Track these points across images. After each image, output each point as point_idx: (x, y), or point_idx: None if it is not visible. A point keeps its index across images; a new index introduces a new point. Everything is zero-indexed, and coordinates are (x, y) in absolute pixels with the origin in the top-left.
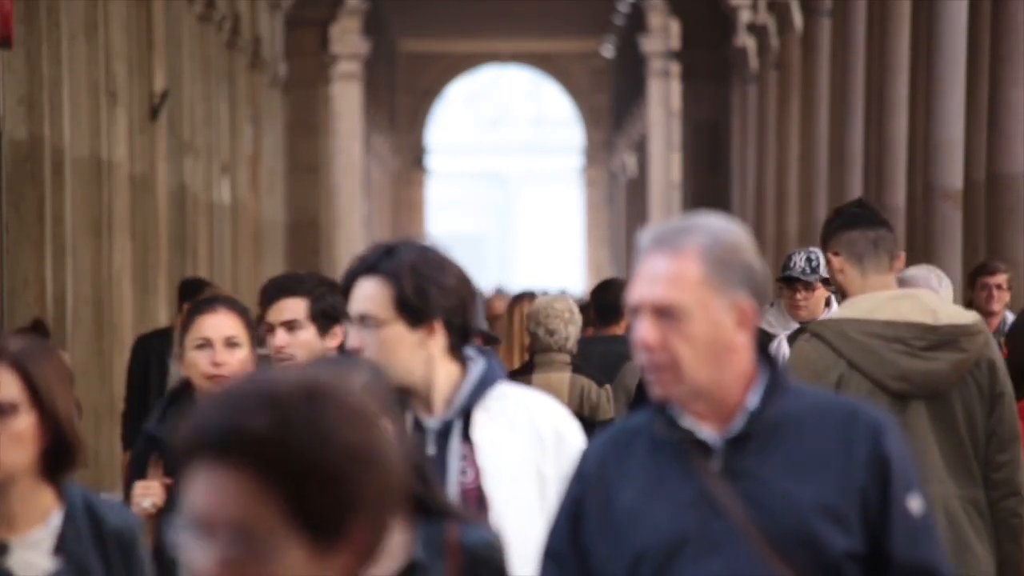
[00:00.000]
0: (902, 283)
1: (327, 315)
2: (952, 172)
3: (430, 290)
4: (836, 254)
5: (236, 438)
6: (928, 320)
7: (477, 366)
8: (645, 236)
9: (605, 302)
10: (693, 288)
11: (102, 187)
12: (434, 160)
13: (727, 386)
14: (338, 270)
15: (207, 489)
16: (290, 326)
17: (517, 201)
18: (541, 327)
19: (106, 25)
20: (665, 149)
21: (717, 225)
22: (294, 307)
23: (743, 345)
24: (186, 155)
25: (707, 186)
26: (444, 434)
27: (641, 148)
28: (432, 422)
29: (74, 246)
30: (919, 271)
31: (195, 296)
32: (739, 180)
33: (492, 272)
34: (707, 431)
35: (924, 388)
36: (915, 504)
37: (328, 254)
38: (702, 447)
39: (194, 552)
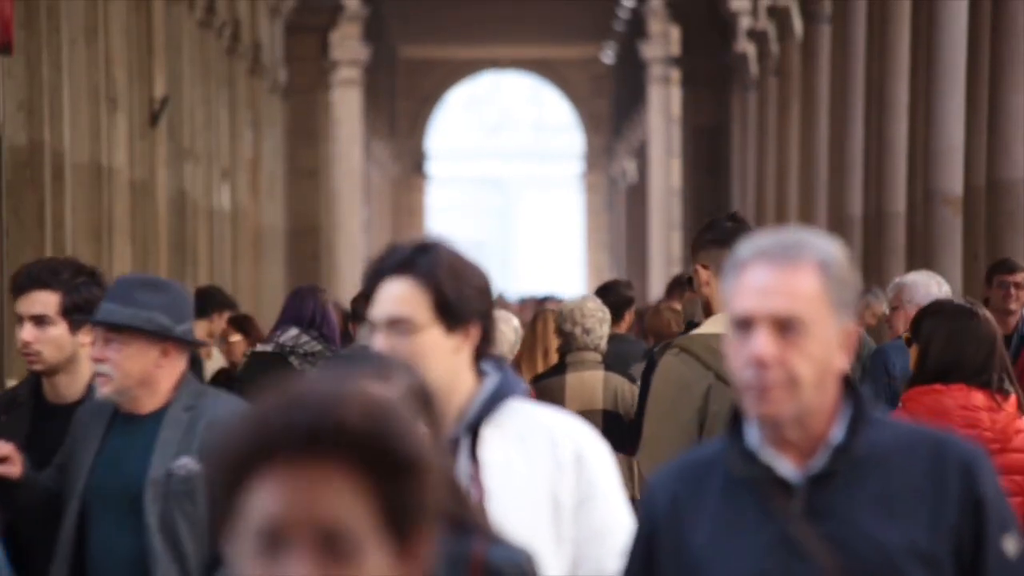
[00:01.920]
0: (901, 288)
1: (80, 309)
2: (952, 177)
3: (469, 292)
4: (705, 267)
5: (331, 431)
6: None
7: (491, 379)
8: (745, 248)
9: (608, 303)
10: (813, 302)
11: (102, 192)
12: (434, 166)
13: (820, 415)
14: (338, 275)
15: (292, 488)
16: (38, 321)
17: (517, 207)
18: (578, 326)
19: (106, 30)
20: (665, 155)
21: (826, 241)
22: (45, 300)
23: (841, 371)
24: (186, 160)
25: (707, 192)
26: (451, 451)
27: (641, 154)
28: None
29: (74, 251)
30: (919, 276)
31: (213, 306)
32: (739, 186)
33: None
34: (787, 466)
35: None
36: (1011, 546)
37: (328, 259)
38: (782, 485)
39: (272, 565)
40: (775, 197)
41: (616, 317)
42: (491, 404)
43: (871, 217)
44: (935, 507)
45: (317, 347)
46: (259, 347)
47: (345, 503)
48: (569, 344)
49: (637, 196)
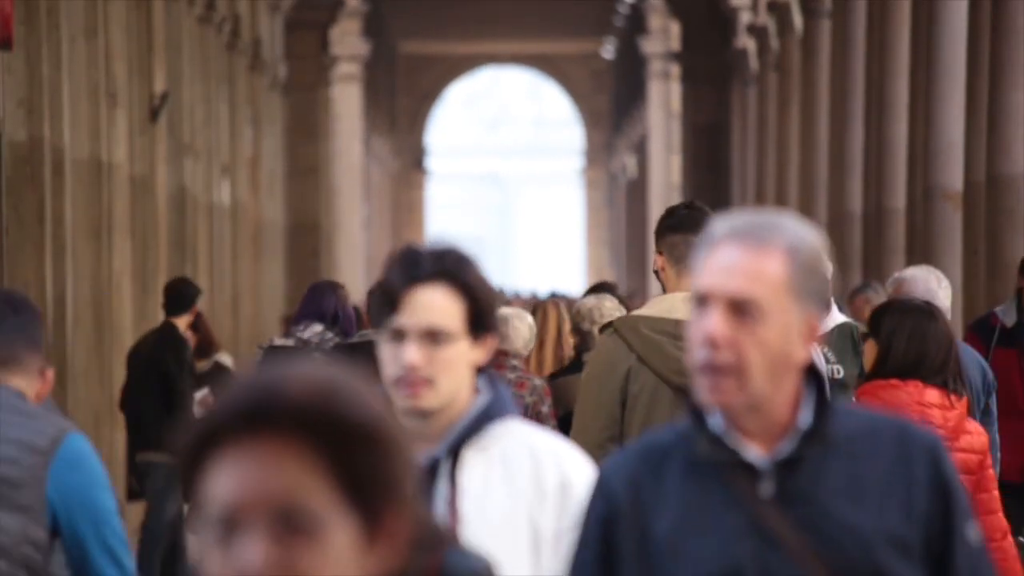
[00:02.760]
0: (901, 283)
1: None
2: (952, 173)
3: (494, 303)
4: (660, 253)
5: (275, 406)
6: None
7: (482, 397)
8: (719, 226)
9: None
10: (775, 288)
11: (102, 189)
12: (434, 162)
13: (780, 404)
14: (338, 271)
15: (242, 471)
16: None
17: (517, 202)
18: (596, 325)
19: (106, 27)
20: (665, 151)
21: (800, 227)
22: None
23: (801, 364)
24: (186, 157)
25: (707, 188)
26: (430, 473)
27: (641, 149)
28: (418, 458)
29: (74, 248)
30: (918, 272)
31: (190, 298)
32: (739, 182)
33: (492, 274)
34: (754, 451)
35: None
36: (973, 533)
37: (328, 255)
38: (748, 470)
39: (230, 551)
40: (775, 193)
41: None
42: (477, 425)
43: (871, 213)
44: (906, 493)
45: (338, 341)
46: (278, 341)
47: (298, 479)
48: (587, 343)
49: (637, 192)
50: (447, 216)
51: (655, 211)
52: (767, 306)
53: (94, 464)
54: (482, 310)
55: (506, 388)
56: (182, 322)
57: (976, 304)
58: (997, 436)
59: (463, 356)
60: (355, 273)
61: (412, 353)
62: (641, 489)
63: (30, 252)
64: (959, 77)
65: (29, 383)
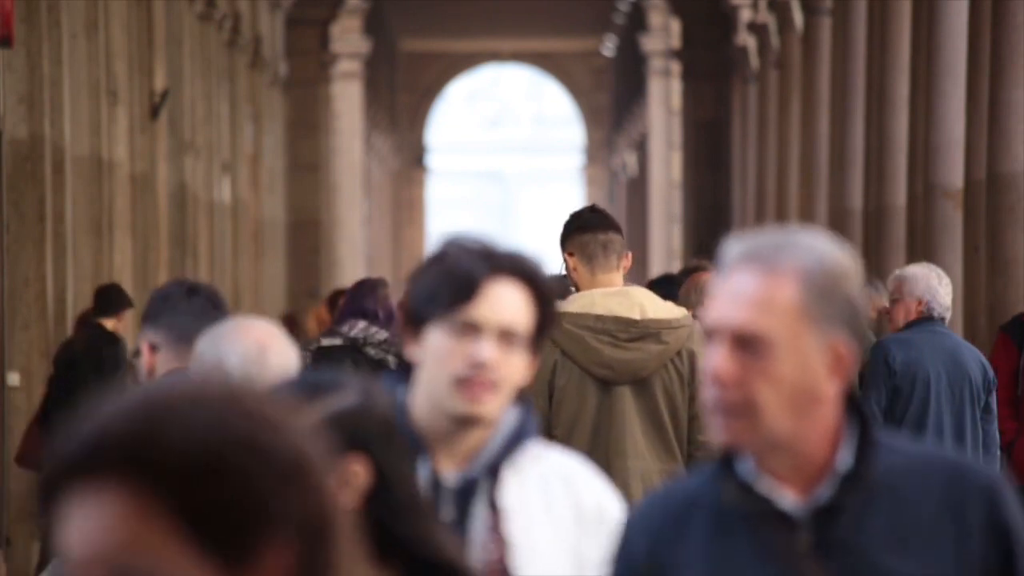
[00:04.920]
0: (902, 281)
1: None
2: (953, 171)
3: (553, 321)
4: (571, 254)
5: (98, 446)
6: (634, 315)
7: (512, 414)
8: (733, 247)
9: None
10: (786, 317)
11: (103, 186)
12: (434, 159)
13: (812, 442)
14: (339, 268)
15: (79, 526)
16: None
17: (517, 200)
18: None
19: (106, 24)
20: (666, 148)
21: (822, 245)
22: None
23: (833, 396)
24: (186, 154)
25: (708, 185)
26: (465, 495)
27: (641, 147)
28: (451, 478)
29: (75, 245)
30: (919, 270)
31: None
32: (739, 179)
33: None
34: (788, 498)
35: (626, 375)
36: None
37: (328, 253)
38: (782, 519)
39: None
40: (775, 190)
41: None
42: (513, 444)
43: (871, 210)
44: (957, 538)
45: (385, 335)
46: (325, 341)
47: (134, 531)
48: None
49: (637, 189)
50: (447, 213)
51: (656, 208)
52: (777, 338)
53: None
54: (546, 324)
55: (531, 406)
56: (109, 323)
57: (977, 302)
58: (997, 434)
59: (524, 367)
60: (355, 270)
61: (490, 350)
62: (663, 545)
63: (31, 249)
64: (960, 74)
65: None
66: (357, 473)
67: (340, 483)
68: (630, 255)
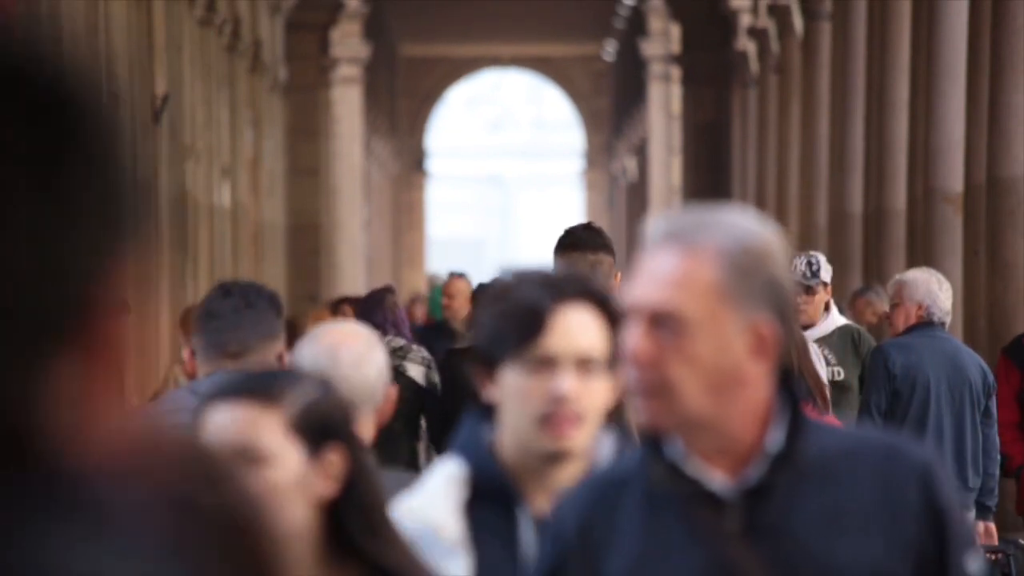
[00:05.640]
0: (902, 285)
1: None
2: (952, 175)
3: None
4: None
5: None
6: None
7: (605, 441)
8: (655, 226)
9: None
10: (703, 296)
11: None
12: (434, 163)
13: (736, 422)
14: (339, 273)
15: None
16: None
17: (517, 204)
18: None
19: (106, 28)
20: (665, 152)
21: (744, 223)
22: None
23: (757, 377)
24: (187, 158)
25: (707, 189)
26: None
27: (641, 151)
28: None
29: None
30: (919, 274)
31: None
32: (739, 184)
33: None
34: (718, 479)
35: None
36: (974, 564)
37: (328, 257)
38: (713, 500)
39: None
40: (775, 194)
41: None
42: None
43: (871, 214)
44: (892, 521)
45: (401, 342)
46: None
47: None
48: None
49: (637, 194)
50: (447, 218)
51: (656, 213)
52: (693, 318)
53: None
54: (619, 348)
55: (628, 429)
56: None
57: (976, 305)
58: (997, 438)
59: (607, 391)
60: (355, 275)
61: (568, 382)
62: (593, 527)
63: None
64: (959, 78)
65: None
66: (334, 462)
67: (322, 474)
68: (620, 275)
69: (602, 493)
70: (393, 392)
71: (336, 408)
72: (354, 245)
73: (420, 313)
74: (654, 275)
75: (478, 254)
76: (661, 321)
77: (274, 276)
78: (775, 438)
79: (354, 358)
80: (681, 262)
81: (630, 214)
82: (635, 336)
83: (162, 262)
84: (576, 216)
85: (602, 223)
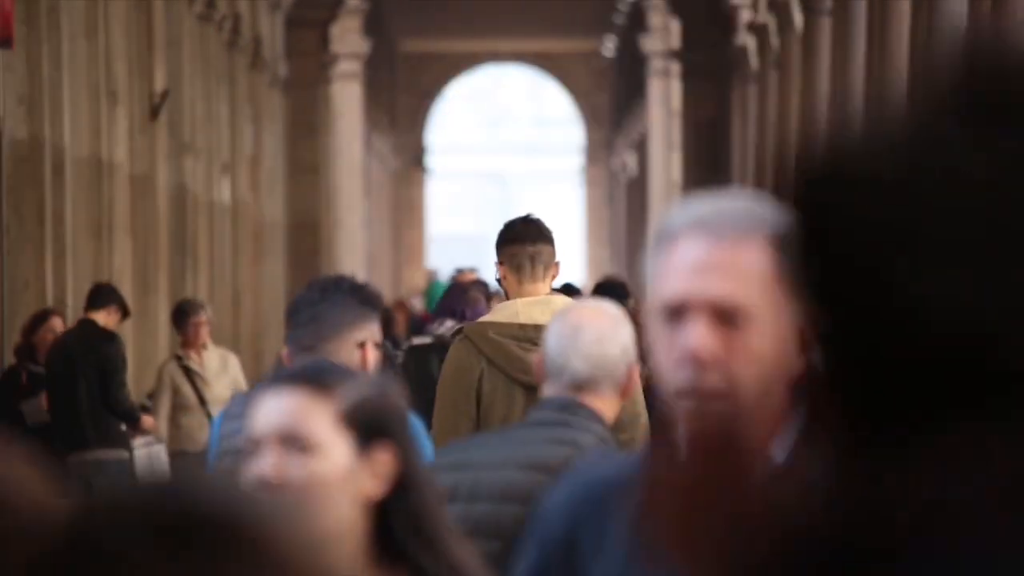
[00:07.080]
0: None
1: None
2: None
3: None
4: (501, 263)
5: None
6: None
7: None
8: (678, 217)
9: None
10: (764, 287)
11: (102, 187)
12: (434, 160)
13: (759, 427)
14: (338, 269)
15: None
16: None
17: (518, 200)
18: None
19: (106, 25)
20: (665, 148)
21: (775, 208)
22: None
23: (793, 377)
24: (186, 155)
25: (708, 185)
26: None
27: (641, 147)
28: None
29: (74, 246)
30: None
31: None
32: (739, 179)
33: (492, 272)
34: None
35: None
36: None
37: (328, 254)
38: None
39: None
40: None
41: None
42: None
43: None
44: None
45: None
46: (416, 340)
47: None
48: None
49: (637, 190)
50: (447, 214)
51: (656, 209)
52: (758, 311)
53: (423, 440)
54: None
55: None
56: (100, 317)
57: None
58: None
59: None
60: (355, 271)
61: (698, 335)
62: (580, 530)
63: (30, 251)
64: None
65: None
66: (383, 461)
67: (369, 472)
68: (559, 264)
69: (589, 492)
70: (636, 371)
71: (389, 408)
72: (354, 242)
73: (418, 306)
74: (707, 265)
75: (478, 250)
76: (726, 316)
77: (274, 273)
78: (782, 447)
79: (596, 335)
80: (737, 251)
81: (630, 210)
82: (697, 333)
83: (161, 258)
84: (575, 212)
85: (602, 219)
